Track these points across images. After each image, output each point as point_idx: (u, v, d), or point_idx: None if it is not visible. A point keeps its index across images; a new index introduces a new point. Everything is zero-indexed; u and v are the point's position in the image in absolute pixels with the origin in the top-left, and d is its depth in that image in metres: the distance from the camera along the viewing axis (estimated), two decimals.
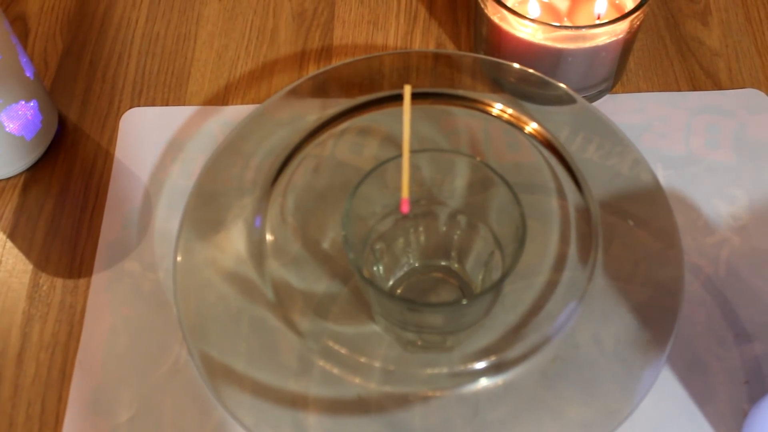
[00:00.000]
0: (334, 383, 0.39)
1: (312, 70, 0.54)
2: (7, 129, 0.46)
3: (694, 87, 0.52)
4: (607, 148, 0.45)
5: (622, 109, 0.51)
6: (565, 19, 0.49)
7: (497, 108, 0.47)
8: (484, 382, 0.39)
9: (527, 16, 0.46)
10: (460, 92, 0.48)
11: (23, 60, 0.46)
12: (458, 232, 0.42)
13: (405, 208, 0.36)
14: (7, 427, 0.41)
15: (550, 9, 0.49)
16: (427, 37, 0.55)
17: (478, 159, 0.39)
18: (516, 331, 0.40)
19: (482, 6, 0.48)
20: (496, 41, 0.49)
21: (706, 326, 0.43)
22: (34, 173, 0.49)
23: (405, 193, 0.36)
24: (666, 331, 0.39)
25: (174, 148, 0.50)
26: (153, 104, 0.52)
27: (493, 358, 0.39)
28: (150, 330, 0.43)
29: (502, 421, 0.38)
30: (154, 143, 0.50)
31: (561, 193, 0.44)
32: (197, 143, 0.50)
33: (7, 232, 0.47)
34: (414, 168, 0.36)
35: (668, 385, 0.41)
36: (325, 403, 0.39)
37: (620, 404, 0.38)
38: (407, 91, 0.37)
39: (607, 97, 0.51)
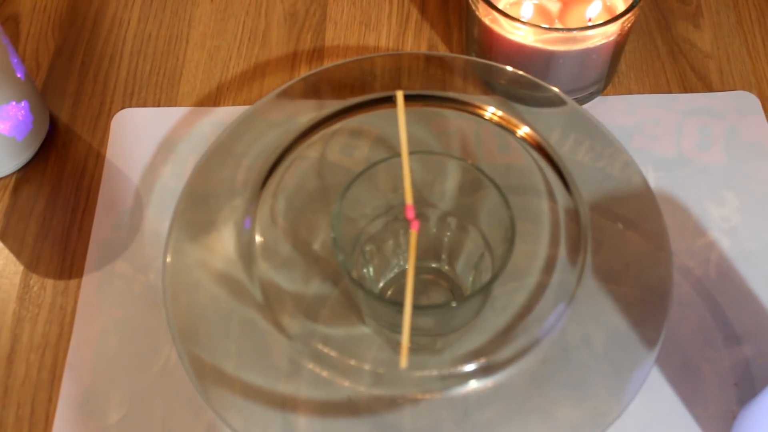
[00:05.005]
0: (324, 385, 0.39)
1: (304, 72, 0.54)
2: None
3: (686, 89, 0.52)
4: (597, 151, 0.45)
5: (613, 111, 0.51)
6: (557, 21, 0.49)
7: (488, 110, 0.47)
8: (473, 384, 0.39)
9: (518, 18, 0.46)
10: (452, 94, 0.48)
11: (14, 60, 0.46)
12: (448, 234, 0.42)
13: (410, 215, 0.37)
14: None
15: (541, 11, 0.49)
16: (419, 39, 0.55)
17: (469, 161, 0.39)
18: (505, 333, 0.40)
19: (474, 8, 0.48)
20: (487, 43, 0.49)
21: (696, 328, 0.43)
22: (25, 174, 0.49)
23: (409, 200, 0.36)
24: (655, 333, 0.39)
25: (165, 149, 0.50)
26: (144, 105, 0.52)
27: (482, 361, 0.39)
28: (141, 331, 0.43)
29: (491, 423, 0.38)
30: (146, 144, 0.50)
31: (551, 196, 0.44)
32: (188, 144, 0.50)
33: None
34: None
35: (657, 387, 0.41)
36: (315, 405, 0.39)
37: (609, 406, 0.38)
38: (400, 97, 0.37)
39: (598, 99, 0.52)
